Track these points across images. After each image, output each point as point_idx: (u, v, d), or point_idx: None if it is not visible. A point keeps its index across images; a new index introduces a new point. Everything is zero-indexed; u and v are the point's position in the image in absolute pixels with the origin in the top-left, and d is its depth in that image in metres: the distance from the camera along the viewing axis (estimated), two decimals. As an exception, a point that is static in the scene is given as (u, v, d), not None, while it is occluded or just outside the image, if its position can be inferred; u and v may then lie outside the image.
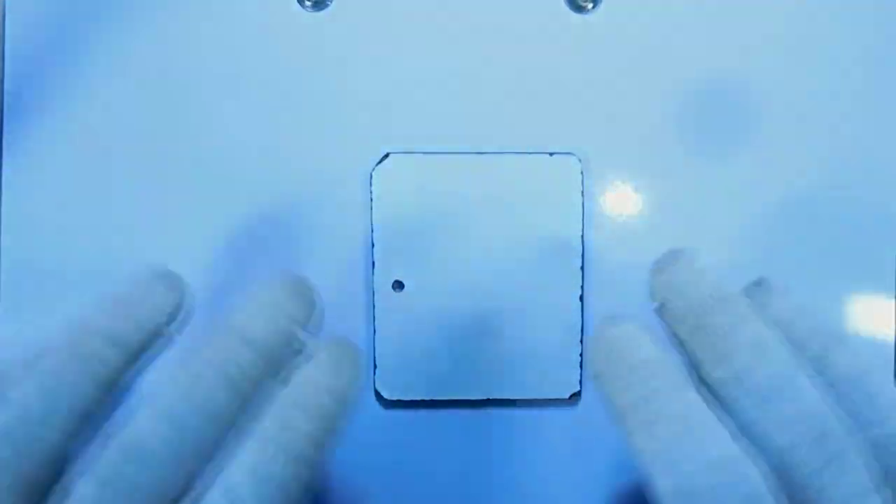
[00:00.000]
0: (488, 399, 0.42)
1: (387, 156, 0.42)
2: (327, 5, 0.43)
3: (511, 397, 0.43)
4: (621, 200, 0.44)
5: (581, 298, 0.42)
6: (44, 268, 0.42)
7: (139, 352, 0.27)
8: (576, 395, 0.43)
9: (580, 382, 0.43)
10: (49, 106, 0.42)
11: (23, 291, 0.42)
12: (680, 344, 0.27)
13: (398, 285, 0.42)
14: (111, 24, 0.43)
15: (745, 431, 0.24)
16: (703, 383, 0.26)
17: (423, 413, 0.43)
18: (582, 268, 0.42)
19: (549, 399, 0.43)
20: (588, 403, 0.43)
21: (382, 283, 0.42)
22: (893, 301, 0.44)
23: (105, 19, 0.43)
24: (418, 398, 0.42)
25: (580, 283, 0.42)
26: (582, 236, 0.42)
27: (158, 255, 0.42)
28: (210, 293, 0.42)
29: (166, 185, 0.42)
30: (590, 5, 0.43)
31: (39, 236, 0.42)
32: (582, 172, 0.42)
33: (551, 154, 0.42)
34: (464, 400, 0.42)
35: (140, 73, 0.42)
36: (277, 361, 0.27)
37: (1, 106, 0.42)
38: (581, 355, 0.42)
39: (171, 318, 0.28)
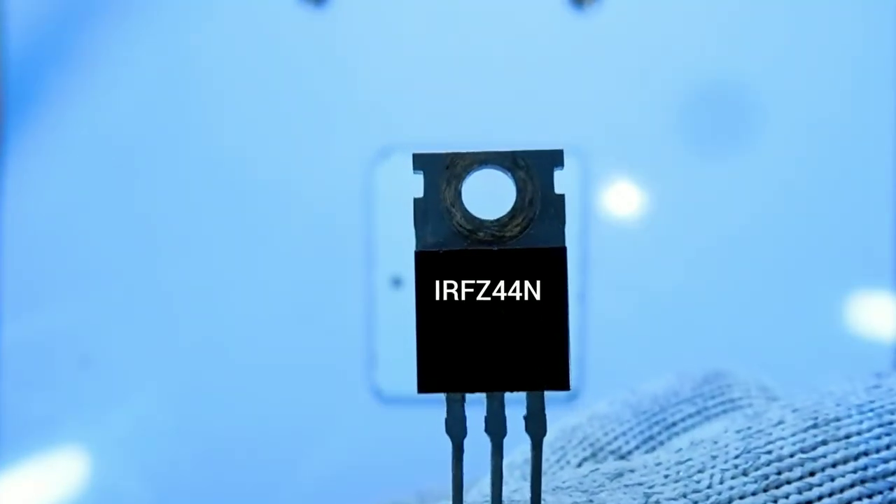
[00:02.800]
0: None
1: (390, 155, 0.42)
2: (327, 2, 0.43)
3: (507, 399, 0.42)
4: (621, 199, 0.44)
5: (581, 296, 0.42)
6: (47, 269, 0.42)
7: None
8: (573, 393, 0.43)
9: (578, 380, 0.43)
10: (51, 107, 0.42)
11: (26, 292, 0.42)
12: None
13: (397, 282, 0.42)
14: (111, 23, 0.42)
15: None
16: None
17: (422, 410, 0.43)
18: (581, 266, 0.42)
19: (547, 396, 0.43)
20: (585, 401, 0.43)
21: (382, 279, 0.42)
22: (892, 300, 0.44)
23: (105, 19, 0.42)
24: (418, 394, 0.42)
25: (579, 282, 0.42)
26: (582, 234, 0.42)
27: (158, 254, 0.42)
28: (211, 291, 0.42)
29: (166, 183, 0.42)
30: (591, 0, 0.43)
31: (43, 238, 0.42)
32: (583, 170, 0.42)
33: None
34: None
35: (140, 73, 0.42)
36: None
37: (3, 107, 0.42)
38: (579, 353, 0.42)
39: None
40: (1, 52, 0.42)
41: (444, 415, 0.10)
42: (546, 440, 0.14)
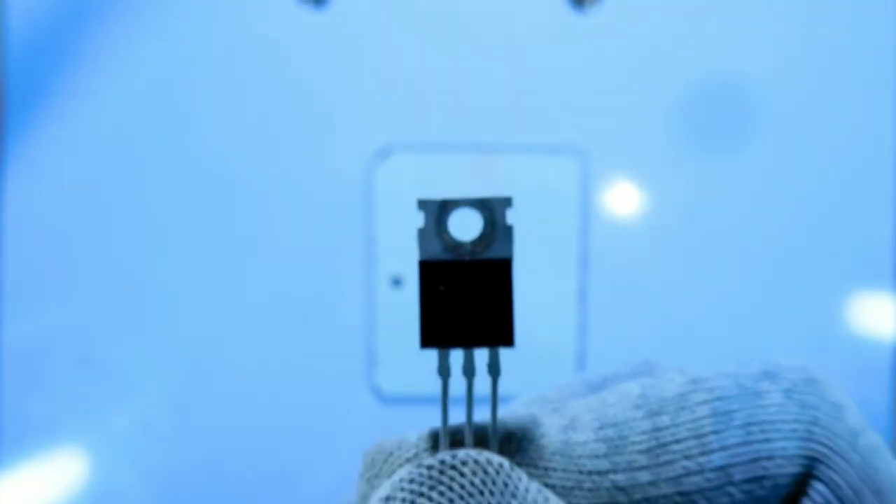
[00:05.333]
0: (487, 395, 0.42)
1: (390, 155, 0.42)
2: (327, 2, 0.43)
3: (509, 392, 0.43)
4: (622, 198, 0.44)
5: (581, 296, 0.43)
6: (47, 269, 0.42)
7: None
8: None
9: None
10: (51, 107, 0.42)
11: (26, 292, 0.42)
12: None
13: (397, 282, 0.42)
14: (112, 23, 0.43)
15: None
16: None
17: (422, 409, 0.43)
18: (582, 265, 0.43)
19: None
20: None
21: (381, 279, 0.42)
22: (893, 300, 0.44)
23: (106, 19, 0.43)
24: (417, 393, 0.42)
25: (580, 280, 0.43)
26: (582, 234, 0.43)
27: (158, 254, 0.42)
28: (211, 291, 0.42)
29: (167, 183, 0.42)
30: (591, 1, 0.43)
31: (43, 237, 0.42)
32: (583, 170, 0.42)
33: (552, 152, 0.43)
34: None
35: (140, 73, 0.42)
36: None
37: (4, 107, 0.42)
38: (579, 352, 0.43)
39: None
40: (1, 52, 0.42)
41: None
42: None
